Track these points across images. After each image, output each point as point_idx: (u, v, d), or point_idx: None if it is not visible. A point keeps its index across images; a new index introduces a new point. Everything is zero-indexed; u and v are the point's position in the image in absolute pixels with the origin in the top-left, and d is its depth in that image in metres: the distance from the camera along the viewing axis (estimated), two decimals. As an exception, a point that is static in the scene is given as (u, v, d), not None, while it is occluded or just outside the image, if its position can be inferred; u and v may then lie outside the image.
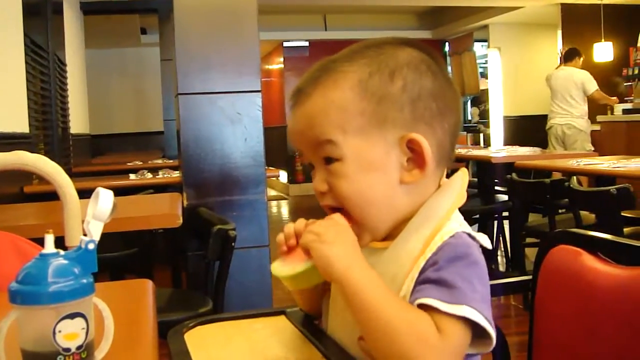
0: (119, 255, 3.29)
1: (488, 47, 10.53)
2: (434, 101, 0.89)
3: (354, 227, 0.89)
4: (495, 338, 0.79)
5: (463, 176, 0.92)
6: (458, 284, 0.78)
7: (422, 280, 0.81)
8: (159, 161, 5.97)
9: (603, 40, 7.93)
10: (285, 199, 10.70)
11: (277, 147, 11.25)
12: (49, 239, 0.77)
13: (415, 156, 0.87)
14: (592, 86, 6.88)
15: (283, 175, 11.35)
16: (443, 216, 0.86)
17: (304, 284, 0.91)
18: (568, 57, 7.12)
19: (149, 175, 4.24)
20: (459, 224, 0.87)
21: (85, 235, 0.81)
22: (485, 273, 0.83)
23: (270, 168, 4.41)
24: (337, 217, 0.87)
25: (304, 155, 0.92)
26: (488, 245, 0.88)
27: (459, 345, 0.78)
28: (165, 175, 4.21)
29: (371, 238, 0.91)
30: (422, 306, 0.78)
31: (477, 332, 0.79)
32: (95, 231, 0.80)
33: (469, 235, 0.85)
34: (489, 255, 4.72)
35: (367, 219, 0.88)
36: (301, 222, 0.91)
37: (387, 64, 0.88)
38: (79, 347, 0.75)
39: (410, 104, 0.87)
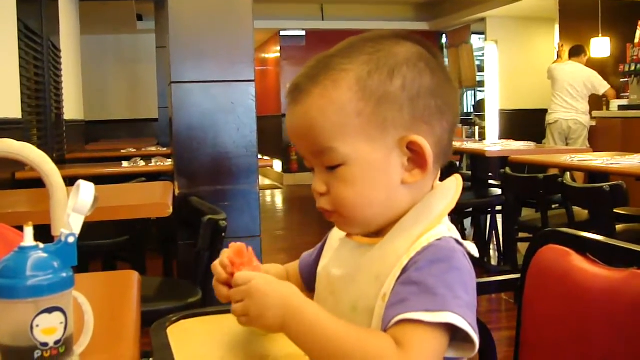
0: (111, 243, 3.28)
1: (485, 40, 10.51)
2: (433, 99, 0.86)
3: (340, 218, 0.88)
4: (478, 344, 0.78)
5: (458, 183, 0.90)
6: (440, 290, 0.77)
7: (403, 281, 0.80)
8: (153, 148, 5.97)
9: (600, 35, 7.91)
10: (279, 188, 10.68)
11: (273, 136, 11.24)
12: (28, 232, 0.76)
13: (415, 156, 0.86)
14: (604, 85, 6.87)
15: (277, 165, 11.33)
16: (434, 219, 0.85)
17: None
18: (575, 53, 7.05)
19: (142, 163, 4.26)
20: (447, 229, 0.85)
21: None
22: (471, 280, 0.82)
23: (265, 158, 4.40)
24: (246, 277, 0.86)
25: (305, 159, 0.90)
26: (475, 253, 0.87)
27: (433, 353, 0.77)
28: (158, 164, 4.22)
29: (359, 232, 0.91)
30: (405, 321, 0.77)
31: (459, 336, 0.78)
32: (76, 224, 0.79)
33: (456, 241, 0.84)
34: (480, 252, 4.72)
35: (360, 219, 0.87)
36: (221, 274, 0.92)
37: (386, 62, 0.85)
38: (56, 342, 0.74)
39: (409, 103, 0.85)
